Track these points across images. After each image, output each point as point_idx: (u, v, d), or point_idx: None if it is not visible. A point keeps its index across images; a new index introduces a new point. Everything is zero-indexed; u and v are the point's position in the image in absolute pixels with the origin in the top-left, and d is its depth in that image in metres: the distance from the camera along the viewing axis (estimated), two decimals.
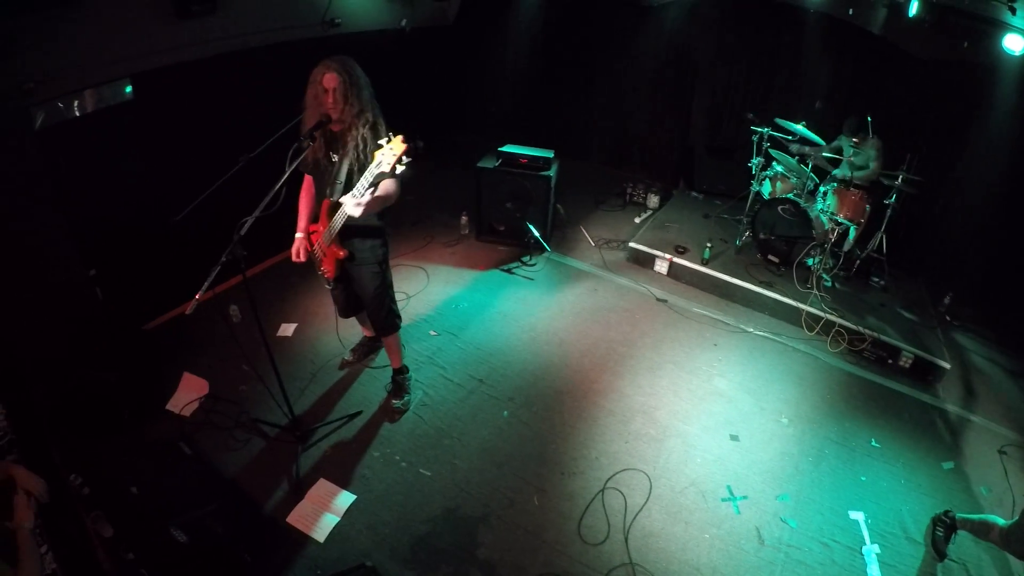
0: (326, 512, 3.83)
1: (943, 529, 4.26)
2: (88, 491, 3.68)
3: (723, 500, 4.38)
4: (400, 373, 4.76)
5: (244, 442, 4.36)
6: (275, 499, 3.99)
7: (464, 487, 4.11)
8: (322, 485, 4.07)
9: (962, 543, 4.41)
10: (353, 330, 5.29)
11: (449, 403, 4.84)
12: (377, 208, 3.73)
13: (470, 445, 4.44)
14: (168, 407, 4.58)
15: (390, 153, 3.29)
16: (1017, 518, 3.70)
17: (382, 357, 5.17)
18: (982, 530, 4.04)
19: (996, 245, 7.45)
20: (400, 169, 3.35)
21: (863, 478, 4.77)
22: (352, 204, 3.46)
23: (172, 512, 3.65)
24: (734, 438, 4.93)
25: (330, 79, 3.56)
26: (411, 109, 8.23)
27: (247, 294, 3.66)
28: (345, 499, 3.99)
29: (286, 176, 3.44)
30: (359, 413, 4.66)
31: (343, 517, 3.82)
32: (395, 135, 3.34)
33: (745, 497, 4.42)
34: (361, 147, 3.68)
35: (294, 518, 3.80)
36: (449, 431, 4.54)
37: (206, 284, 3.24)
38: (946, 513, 4.33)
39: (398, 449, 4.35)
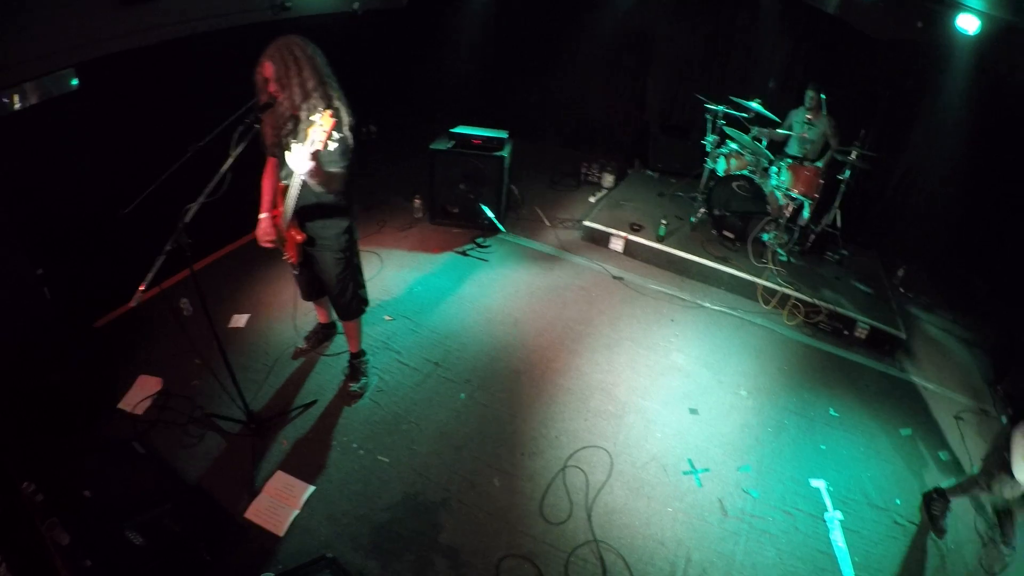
0: (285, 505, 3.76)
1: (938, 506, 4.36)
2: (42, 498, 3.52)
3: (685, 473, 4.41)
4: (357, 357, 4.71)
5: (199, 438, 4.21)
6: (233, 494, 3.87)
7: (423, 472, 4.06)
8: (280, 477, 3.97)
9: (914, 507, 4.52)
10: (308, 316, 5.17)
11: (405, 388, 4.76)
12: (326, 179, 3.60)
13: (428, 429, 4.38)
14: (121, 406, 4.40)
15: (320, 130, 3.19)
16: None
17: (337, 344, 5.09)
18: (969, 486, 4.18)
19: (948, 219, 7.73)
20: (333, 146, 3.28)
21: (823, 447, 4.85)
22: (297, 162, 3.34)
23: (127, 514, 3.50)
24: (693, 412, 4.96)
25: (266, 68, 3.47)
26: (365, 94, 8.11)
27: (195, 284, 3.57)
28: (303, 490, 3.90)
29: (230, 161, 3.30)
30: (314, 402, 4.55)
31: (302, 509, 3.74)
32: (325, 110, 3.25)
33: (707, 470, 4.46)
34: (304, 130, 3.55)
35: (253, 513, 3.71)
36: (406, 416, 4.48)
37: (150, 275, 3.11)
38: (935, 490, 4.45)
39: (355, 437, 4.26)
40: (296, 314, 5.17)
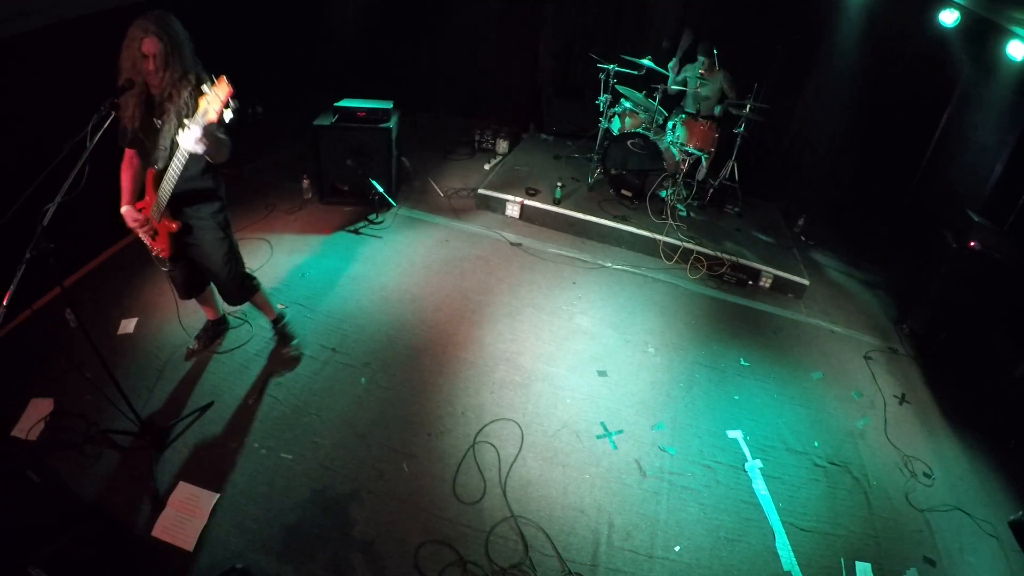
0: (191, 517, 3.56)
1: None
2: None
3: (598, 437, 4.35)
4: (278, 322, 4.67)
5: (96, 457, 3.81)
6: (137, 513, 3.56)
7: (329, 465, 3.89)
8: (183, 489, 3.68)
9: (841, 447, 4.63)
10: (196, 315, 4.80)
11: (303, 378, 4.52)
12: (216, 149, 3.35)
13: (330, 419, 4.20)
14: (14, 433, 3.97)
15: (216, 99, 3.02)
16: None
17: (229, 340, 4.78)
18: None
19: (845, 167, 8.04)
20: (229, 116, 3.11)
21: (736, 397, 4.89)
22: (191, 140, 3.11)
23: (29, 549, 3.16)
24: (602, 374, 4.90)
25: (150, 44, 3.18)
26: (245, 72, 7.64)
27: (63, 292, 3.26)
28: (208, 499, 3.65)
29: (87, 152, 2.96)
30: (211, 404, 4.23)
31: (209, 519, 3.53)
32: (218, 80, 3.06)
33: (620, 431, 4.41)
34: (184, 111, 3.32)
35: (159, 530, 3.48)
36: (306, 408, 4.26)
37: (12, 286, 2.74)
38: None
39: (256, 436, 4.03)
40: (181, 313, 4.79)
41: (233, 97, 3.08)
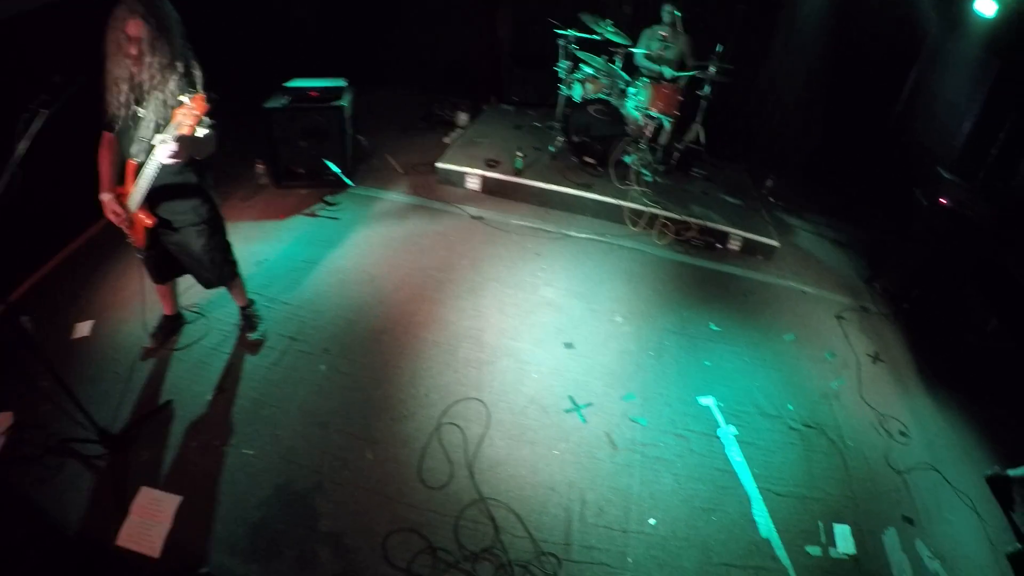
0: (155, 523, 3.46)
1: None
2: None
3: (567, 412, 4.26)
4: (247, 307, 4.60)
5: (56, 469, 3.66)
6: (102, 523, 3.44)
7: (291, 458, 3.78)
8: (145, 494, 3.56)
9: (815, 409, 4.60)
10: (154, 312, 4.60)
11: (261, 370, 4.37)
12: (196, 151, 3.34)
13: (290, 411, 4.06)
14: None
15: (190, 114, 2.98)
16: None
17: (186, 335, 4.61)
18: None
19: (813, 127, 7.99)
20: (203, 132, 3.09)
21: (707, 363, 4.83)
22: (165, 153, 3.07)
23: None
24: (569, 346, 4.80)
25: (135, 26, 3.01)
26: (201, 57, 7.38)
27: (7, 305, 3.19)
28: (171, 503, 3.54)
29: (17, 155, 2.78)
30: (169, 403, 4.08)
31: (174, 523, 3.42)
32: (197, 92, 3.07)
33: (589, 404, 4.32)
34: (170, 101, 3.19)
35: (124, 538, 3.37)
36: (266, 400, 4.12)
37: None
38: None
39: (215, 433, 3.90)
40: (145, 309, 4.59)
41: (209, 115, 3.04)
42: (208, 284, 4.21)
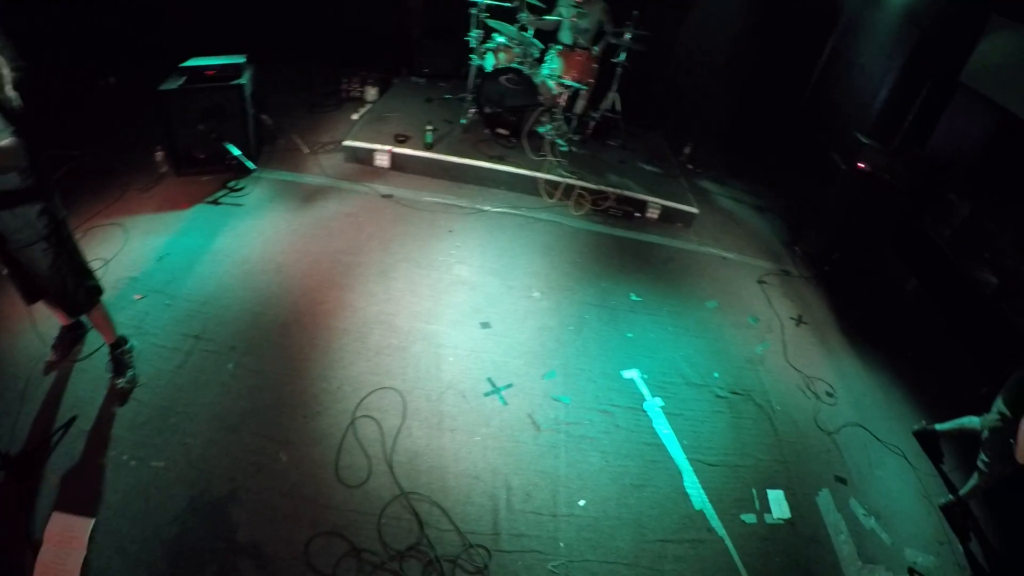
0: (70, 550, 3.26)
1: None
2: None
3: (486, 395, 4.13)
4: (117, 347, 4.08)
5: None
6: (14, 555, 3.23)
7: (203, 467, 3.58)
8: (57, 520, 3.33)
9: (741, 375, 4.60)
10: (52, 321, 4.25)
11: (167, 374, 4.11)
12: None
13: (199, 416, 3.84)
14: None
15: None
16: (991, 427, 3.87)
17: (89, 344, 4.31)
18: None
19: (731, 94, 8.05)
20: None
21: (630, 335, 4.77)
22: None
23: None
24: (485, 326, 4.67)
25: None
26: (95, 40, 6.86)
27: None
28: (84, 527, 3.32)
29: None
30: (74, 419, 3.81)
31: (89, 549, 3.20)
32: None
33: (509, 385, 4.21)
34: None
35: (40, 570, 3.16)
36: (173, 407, 3.88)
37: None
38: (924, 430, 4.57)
39: (124, 447, 3.65)
40: (35, 322, 4.24)
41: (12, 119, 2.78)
42: (68, 311, 3.88)
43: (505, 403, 4.08)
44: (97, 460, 3.61)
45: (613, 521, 3.55)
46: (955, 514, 4.12)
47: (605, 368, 4.41)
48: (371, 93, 7.98)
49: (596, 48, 6.87)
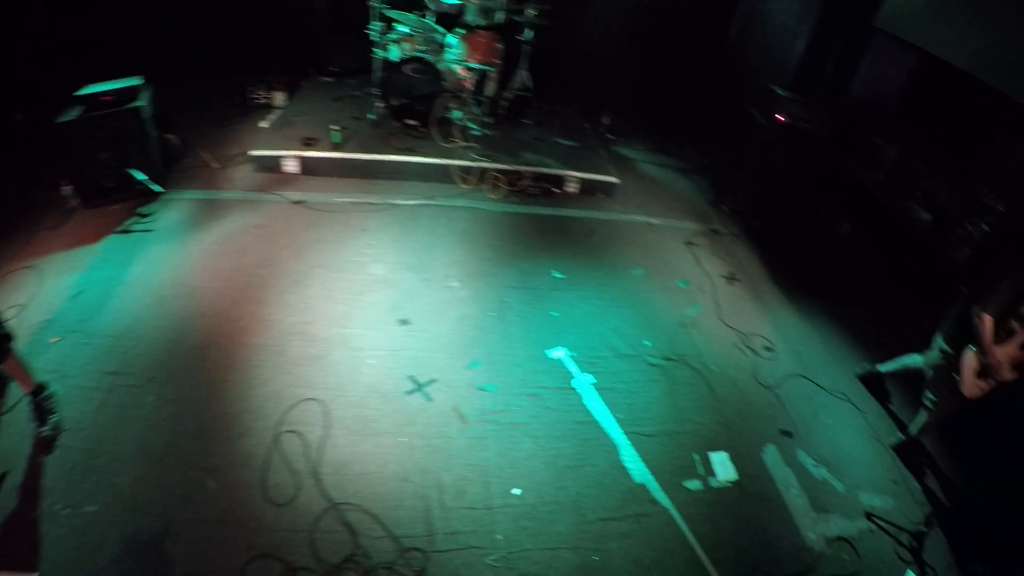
0: None
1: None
2: None
3: (409, 393, 4.03)
4: (37, 394, 3.93)
5: None
6: None
7: (133, 506, 3.47)
8: None
9: (673, 340, 4.55)
10: None
11: (89, 415, 3.96)
12: None
13: (124, 454, 3.71)
14: None
15: None
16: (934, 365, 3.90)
17: (12, 395, 4.12)
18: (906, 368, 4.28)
19: (646, 60, 7.99)
20: None
21: (554, 313, 4.69)
22: None
23: None
24: (404, 323, 4.55)
25: None
26: None
27: None
28: None
29: None
30: (4, 476, 3.68)
31: None
32: None
33: (432, 381, 4.11)
34: None
35: None
36: (99, 449, 3.75)
37: None
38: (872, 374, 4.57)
39: (56, 497, 3.53)
40: None
41: None
42: None
43: (429, 399, 3.98)
44: (31, 514, 3.49)
45: (551, 506, 3.49)
46: (908, 452, 4.12)
47: (530, 351, 4.33)
48: (279, 98, 7.76)
49: (492, 25, 6.75)
